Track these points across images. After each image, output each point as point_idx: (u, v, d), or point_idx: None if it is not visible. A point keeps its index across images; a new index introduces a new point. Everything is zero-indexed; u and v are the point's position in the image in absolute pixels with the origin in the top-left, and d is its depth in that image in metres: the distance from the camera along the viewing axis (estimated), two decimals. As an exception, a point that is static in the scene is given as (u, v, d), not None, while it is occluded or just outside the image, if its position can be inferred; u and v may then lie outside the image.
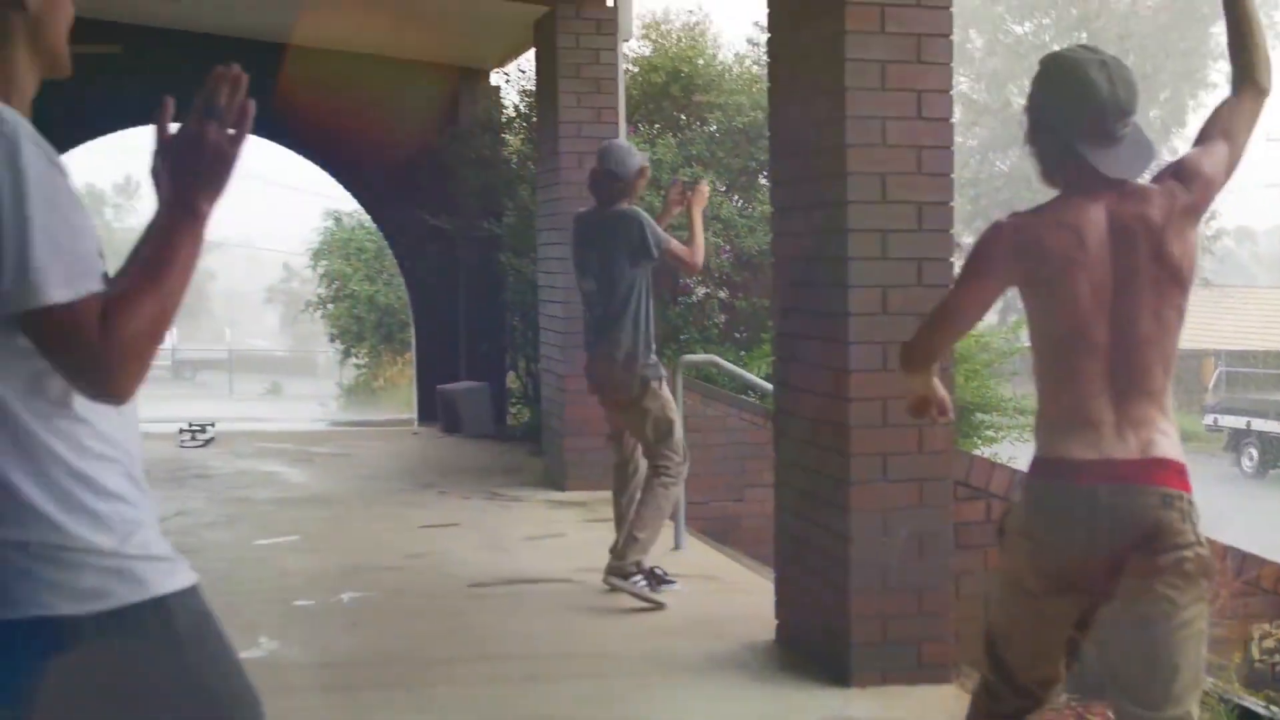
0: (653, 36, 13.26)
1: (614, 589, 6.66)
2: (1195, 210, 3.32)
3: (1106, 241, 3.28)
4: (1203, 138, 3.40)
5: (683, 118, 12.56)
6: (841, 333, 5.23)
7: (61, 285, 1.99)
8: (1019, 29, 49.23)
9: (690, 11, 13.85)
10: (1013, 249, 3.40)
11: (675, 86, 12.33)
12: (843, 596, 5.27)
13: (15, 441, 2.10)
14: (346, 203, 16.53)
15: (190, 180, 2.16)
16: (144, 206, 75.78)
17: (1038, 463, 3.43)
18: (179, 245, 2.11)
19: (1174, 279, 3.29)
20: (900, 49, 5.20)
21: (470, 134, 13.24)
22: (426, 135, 13.66)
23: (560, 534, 8.48)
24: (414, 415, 15.16)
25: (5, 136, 2.01)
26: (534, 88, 11.69)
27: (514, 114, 13.30)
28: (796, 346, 5.73)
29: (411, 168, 13.80)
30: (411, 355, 17.27)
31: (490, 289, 13.12)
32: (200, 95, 2.21)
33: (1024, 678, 3.48)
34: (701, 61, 12.69)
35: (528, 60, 12.25)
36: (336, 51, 13.52)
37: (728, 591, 7.07)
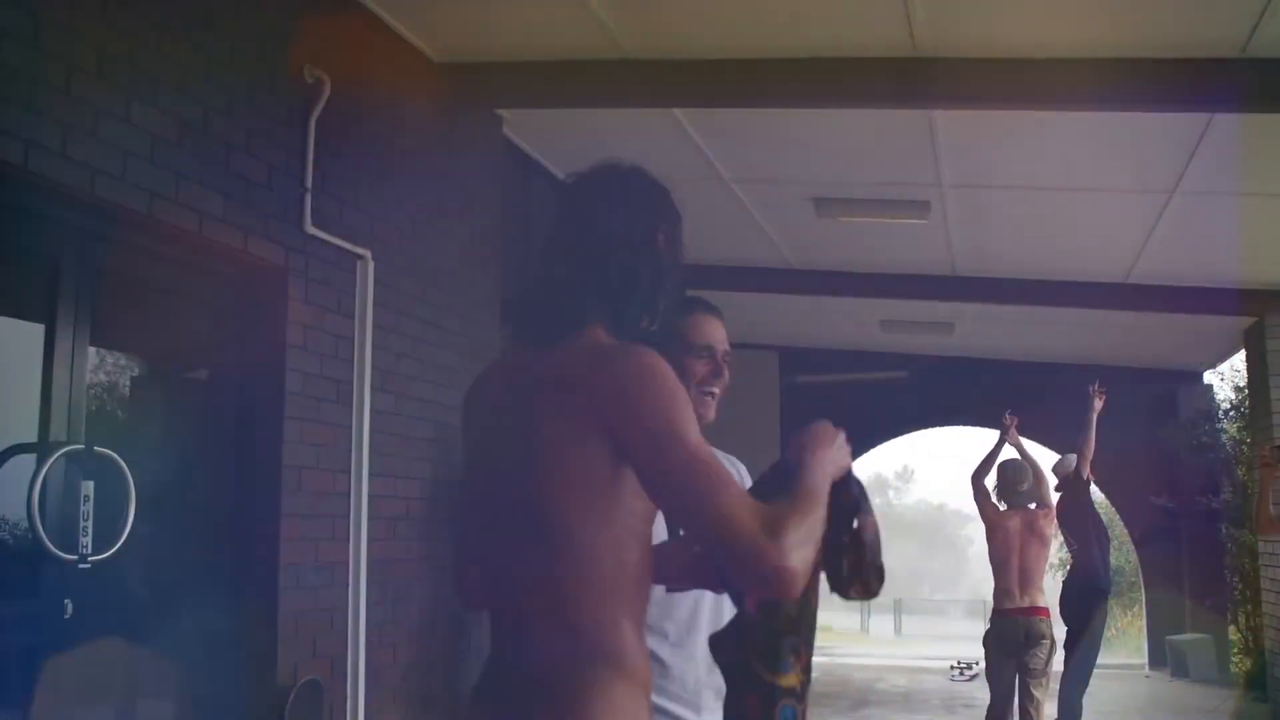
0: (1353, 335, 12.13)
1: None
2: None
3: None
4: None
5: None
6: None
7: None
8: None
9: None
10: None
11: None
12: None
13: None
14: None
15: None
16: (917, 489, 77.25)
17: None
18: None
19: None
20: None
21: (1190, 425, 12.63)
22: (1148, 427, 13.18)
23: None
24: (1144, 661, 14.20)
25: None
26: (1245, 384, 10.97)
27: (1228, 406, 12.51)
28: None
29: (1134, 454, 13.30)
30: (1141, 609, 16.32)
31: (1210, 554, 12.26)
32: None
33: None
34: None
35: (1239, 360, 11.54)
36: (1073, 365, 13.42)
37: None
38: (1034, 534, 7.10)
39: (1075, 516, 7.82)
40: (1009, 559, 7.02)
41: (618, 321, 1.80)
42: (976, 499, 7.56)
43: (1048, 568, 7.82)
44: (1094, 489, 14.21)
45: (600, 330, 1.79)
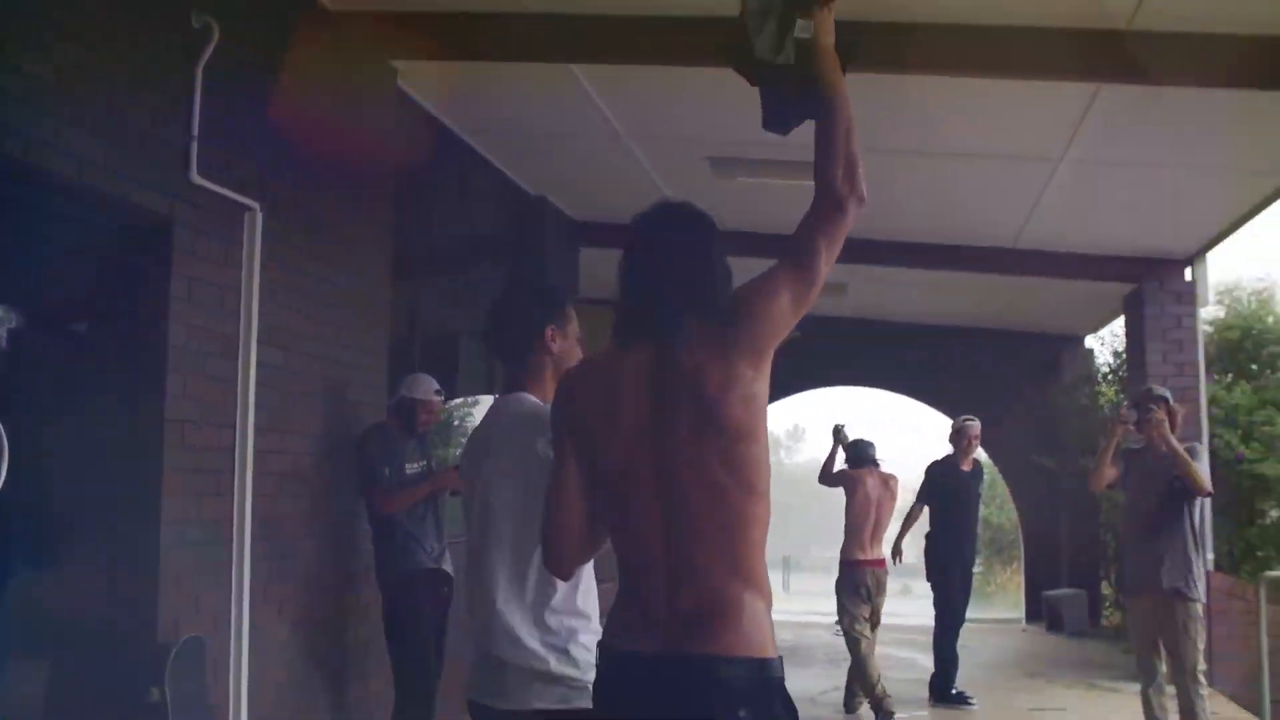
0: (1226, 301, 12.53)
1: None
2: None
3: None
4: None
5: (1254, 367, 11.69)
6: None
7: None
8: None
9: (1259, 279, 13.01)
10: None
11: (1248, 341, 11.54)
12: None
13: None
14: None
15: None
16: (809, 448, 78.27)
17: None
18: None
19: None
20: None
21: (1071, 387, 12.96)
22: (1031, 389, 13.51)
23: (1156, 722, 7.74)
24: (1022, 615, 14.64)
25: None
26: (1124, 348, 11.28)
27: (1107, 369, 12.85)
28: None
29: (1019, 415, 13.66)
30: (1020, 565, 16.80)
31: (1086, 512, 12.60)
32: None
33: None
34: (1271, 319, 11.82)
35: (1118, 325, 11.85)
36: (961, 328, 13.70)
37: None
38: (887, 491, 8.06)
39: (955, 506, 8.46)
40: (868, 514, 7.92)
41: (704, 314, 2.32)
42: (832, 484, 8.37)
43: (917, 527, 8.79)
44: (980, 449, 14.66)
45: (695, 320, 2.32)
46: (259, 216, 5.00)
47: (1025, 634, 13.40)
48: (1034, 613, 14.04)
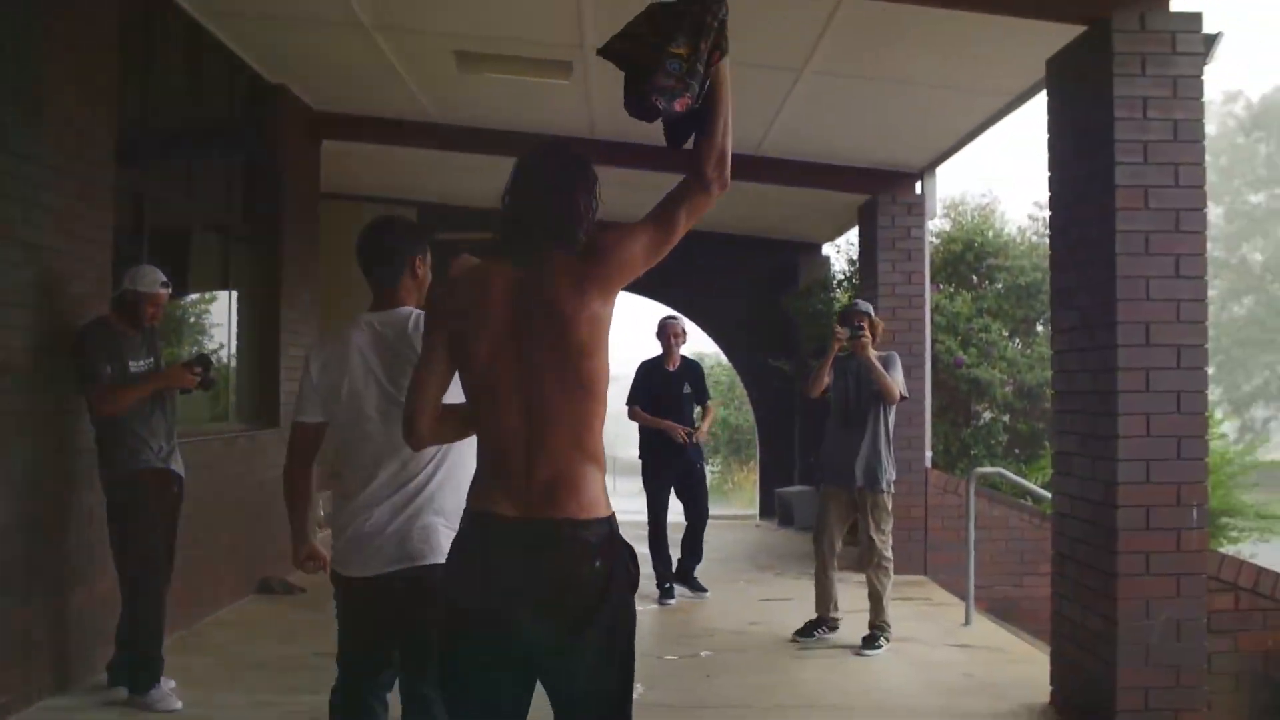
0: (952, 214, 13.21)
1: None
2: None
3: None
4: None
5: (974, 278, 12.43)
6: (1111, 452, 5.03)
7: None
8: (1254, 199, 49.54)
9: (982, 194, 13.79)
10: None
11: (970, 254, 12.25)
12: (1110, 670, 5.01)
13: None
14: (707, 345, 16.95)
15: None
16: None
17: None
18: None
19: None
20: (1161, 221, 5.04)
21: (806, 293, 13.42)
22: (771, 294, 13.95)
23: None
24: (755, 512, 15.22)
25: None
26: (857, 256, 11.75)
27: (841, 277, 13.39)
28: (1072, 463, 5.52)
29: (758, 319, 14.12)
30: (755, 464, 17.44)
31: (818, 413, 13.16)
32: None
33: None
34: (991, 233, 12.57)
35: (853, 234, 12.32)
36: (705, 233, 13.96)
37: (1009, 662, 6.77)
38: None
39: (661, 404, 8.77)
40: None
41: (566, 247, 2.71)
42: None
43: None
44: (719, 351, 15.02)
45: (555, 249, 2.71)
46: (-36, 93, 4.65)
47: (758, 529, 13.94)
48: (767, 509, 14.63)
